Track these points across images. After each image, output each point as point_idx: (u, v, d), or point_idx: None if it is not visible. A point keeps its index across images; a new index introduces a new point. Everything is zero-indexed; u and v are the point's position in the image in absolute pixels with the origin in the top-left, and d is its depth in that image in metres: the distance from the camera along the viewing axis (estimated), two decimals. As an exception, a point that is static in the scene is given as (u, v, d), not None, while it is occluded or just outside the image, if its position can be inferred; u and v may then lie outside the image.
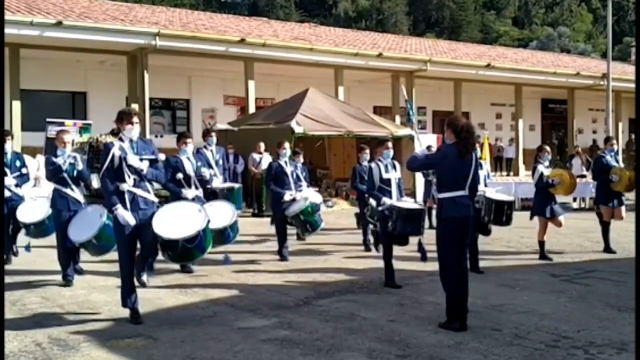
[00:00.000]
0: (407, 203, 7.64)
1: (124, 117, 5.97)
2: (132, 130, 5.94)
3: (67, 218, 7.39)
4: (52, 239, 8.20)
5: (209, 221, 6.09)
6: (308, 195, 9.39)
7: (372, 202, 8.92)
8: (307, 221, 9.11)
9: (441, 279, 5.87)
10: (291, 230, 9.71)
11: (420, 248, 7.97)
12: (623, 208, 10.00)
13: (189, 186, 8.21)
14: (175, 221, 5.93)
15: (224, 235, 7.89)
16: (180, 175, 8.13)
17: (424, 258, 7.74)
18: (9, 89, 17.16)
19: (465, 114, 25.05)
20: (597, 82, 27.67)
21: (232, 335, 5.49)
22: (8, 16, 15.94)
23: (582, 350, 5.06)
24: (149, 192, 6.02)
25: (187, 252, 6.03)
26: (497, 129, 30.49)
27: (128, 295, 5.93)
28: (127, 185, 5.86)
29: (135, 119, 5.98)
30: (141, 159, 5.92)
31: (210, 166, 9.51)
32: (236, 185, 9.41)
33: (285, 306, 6.55)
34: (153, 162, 6.07)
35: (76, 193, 7.57)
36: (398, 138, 16.65)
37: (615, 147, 10.49)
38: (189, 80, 22.73)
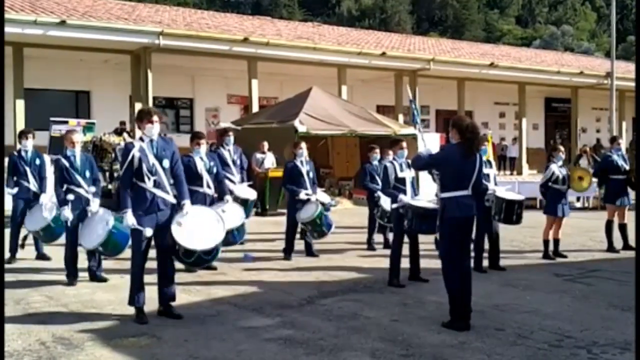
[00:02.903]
0: (422, 202, 7.67)
1: (143, 116, 5.95)
2: (152, 129, 5.91)
3: (79, 218, 7.41)
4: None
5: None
6: (319, 197, 9.38)
7: (382, 202, 8.95)
8: (315, 230, 9.14)
9: (444, 278, 5.86)
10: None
11: (437, 244, 8.06)
12: (626, 208, 10.07)
13: (202, 186, 8.18)
14: (194, 229, 5.95)
15: (229, 236, 7.94)
16: None
17: None
18: (13, 88, 17.19)
19: (468, 113, 25.04)
20: (601, 81, 27.60)
21: (235, 335, 5.49)
22: (12, 15, 16.00)
23: (585, 350, 5.06)
24: (168, 192, 6.00)
25: (202, 261, 6.20)
26: (501, 128, 30.45)
27: (137, 294, 5.94)
28: (147, 185, 5.86)
29: (155, 118, 5.94)
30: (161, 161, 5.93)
31: (227, 165, 9.55)
32: (251, 198, 9.44)
33: (289, 305, 6.56)
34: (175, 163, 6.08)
35: (89, 193, 7.58)
36: (401, 137, 16.63)
37: (622, 146, 10.51)
38: (193, 80, 22.75)
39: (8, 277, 7.38)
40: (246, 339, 5.36)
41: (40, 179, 9.00)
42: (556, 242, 9.41)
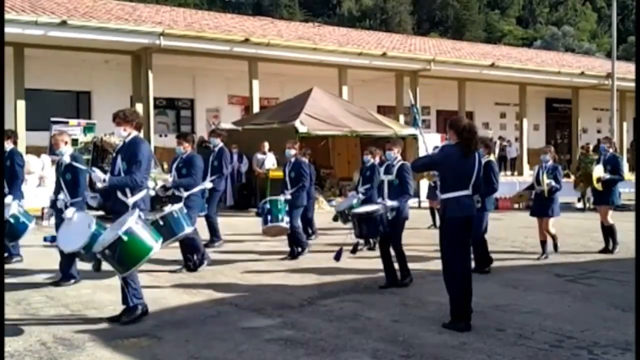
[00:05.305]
0: (369, 206, 7.77)
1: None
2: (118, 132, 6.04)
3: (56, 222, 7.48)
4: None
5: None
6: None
7: (333, 202, 9.38)
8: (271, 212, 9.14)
9: (444, 279, 5.86)
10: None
11: (354, 249, 8.07)
12: (606, 207, 10.04)
13: None
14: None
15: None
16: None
17: (337, 257, 7.88)
18: (14, 88, 17.21)
19: (469, 114, 25.07)
20: (602, 81, 27.61)
21: (236, 335, 5.49)
22: (12, 16, 16.02)
23: (586, 351, 5.06)
24: (125, 195, 5.91)
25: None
26: (502, 128, 30.48)
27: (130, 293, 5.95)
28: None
29: (116, 121, 5.98)
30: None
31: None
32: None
33: (289, 306, 6.56)
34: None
35: (65, 199, 7.38)
36: (402, 137, 16.63)
37: (606, 145, 10.50)
38: (193, 80, 22.76)
39: (9, 278, 7.39)
40: (247, 340, 5.36)
41: (10, 180, 8.51)
42: (543, 242, 9.40)
